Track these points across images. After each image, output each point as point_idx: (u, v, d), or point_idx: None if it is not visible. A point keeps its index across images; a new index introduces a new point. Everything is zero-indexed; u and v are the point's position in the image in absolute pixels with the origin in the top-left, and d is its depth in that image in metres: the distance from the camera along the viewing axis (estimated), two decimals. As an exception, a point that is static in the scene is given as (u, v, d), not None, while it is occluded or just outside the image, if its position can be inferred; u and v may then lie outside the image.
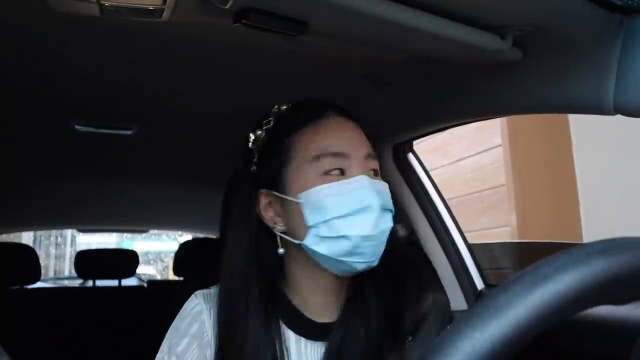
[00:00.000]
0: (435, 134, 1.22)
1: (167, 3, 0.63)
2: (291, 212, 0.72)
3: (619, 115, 0.70)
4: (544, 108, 0.84)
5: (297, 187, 0.71)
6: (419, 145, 1.28)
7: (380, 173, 0.76)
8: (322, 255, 0.70)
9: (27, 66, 1.03)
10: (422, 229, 1.27)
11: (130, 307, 2.52)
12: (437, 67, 0.93)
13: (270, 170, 0.74)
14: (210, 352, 0.74)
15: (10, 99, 1.22)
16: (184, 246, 2.62)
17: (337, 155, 0.71)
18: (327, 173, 0.70)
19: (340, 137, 0.73)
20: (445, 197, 1.30)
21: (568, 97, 0.74)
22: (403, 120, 1.16)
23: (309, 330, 0.75)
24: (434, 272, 1.25)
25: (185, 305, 0.78)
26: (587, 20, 0.67)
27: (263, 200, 0.75)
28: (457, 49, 0.75)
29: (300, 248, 0.72)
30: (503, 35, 0.73)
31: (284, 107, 0.79)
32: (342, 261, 0.69)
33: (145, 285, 3.18)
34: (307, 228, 0.70)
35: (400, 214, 1.25)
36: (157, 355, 0.76)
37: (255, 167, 0.76)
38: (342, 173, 0.71)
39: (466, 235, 1.30)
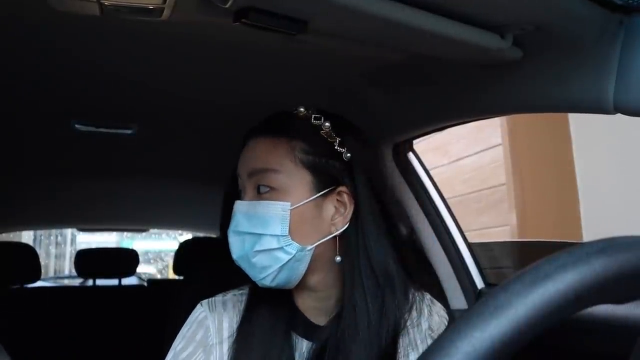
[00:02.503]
0: (435, 134, 1.22)
1: (167, 2, 0.63)
2: None
3: (619, 115, 0.70)
4: (544, 107, 0.84)
5: None
6: (419, 144, 1.28)
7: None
8: None
9: (27, 66, 1.03)
10: (422, 228, 1.27)
11: (130, 306, 2.52)
12: (437, 67, 0.93)
13: None
14: (213, 356, 0.75)
15: (10, 98, 1.22)
16: (184, 245, 2.62)
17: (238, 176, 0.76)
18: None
19: (241, 157, 0.76)
20: (445, 196, 1.30)
21: (568, 96, 0.74)
22: (403, 120, 1.16)
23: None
24: (429, 270, 1.26)
25: (192, 314, 0.80)
26: (587, 19, 0.67)
27: None
28: (457, 48, 0.75)
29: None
30: (503, 34, 0.73)
31: None
32: None
33: (146, 284, 3.19)
34: None
35: (400, 214, 1.25)
36: None
37: None
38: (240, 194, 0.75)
39: (466, 234, 1.30)
